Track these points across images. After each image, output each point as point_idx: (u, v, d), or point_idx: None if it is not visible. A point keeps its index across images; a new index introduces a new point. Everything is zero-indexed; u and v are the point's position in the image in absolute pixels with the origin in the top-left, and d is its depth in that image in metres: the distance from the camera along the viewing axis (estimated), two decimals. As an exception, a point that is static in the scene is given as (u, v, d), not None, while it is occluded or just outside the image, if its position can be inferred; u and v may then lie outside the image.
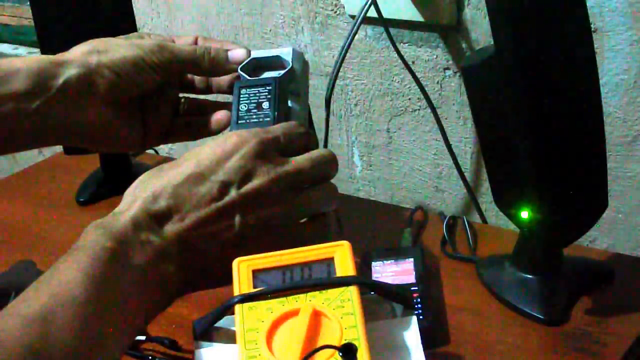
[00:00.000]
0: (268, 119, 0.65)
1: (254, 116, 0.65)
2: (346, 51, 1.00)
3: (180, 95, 0.75)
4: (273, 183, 0.57)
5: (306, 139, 0.61)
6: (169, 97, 0.73)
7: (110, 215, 0.54)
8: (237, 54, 0.70)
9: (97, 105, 0.65)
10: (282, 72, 0.68)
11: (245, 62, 0.69)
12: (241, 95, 0.67)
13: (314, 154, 0.60)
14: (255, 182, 0.56)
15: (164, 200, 0.54)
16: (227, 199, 0.55)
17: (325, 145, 1.03)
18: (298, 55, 0.70)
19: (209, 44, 0.71)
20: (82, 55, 0.65)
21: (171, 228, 0.54)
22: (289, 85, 0.67)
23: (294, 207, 0.59)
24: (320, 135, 1.18)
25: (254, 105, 0.66)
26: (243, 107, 0.66)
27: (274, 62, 0.69)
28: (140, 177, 0.57)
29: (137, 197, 0.55)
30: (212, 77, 0.74)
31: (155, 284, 0.53)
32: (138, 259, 0.51)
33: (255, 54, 0.71)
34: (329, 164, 0.61)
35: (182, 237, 0.54)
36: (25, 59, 0.65)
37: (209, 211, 0.55)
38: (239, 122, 0.65)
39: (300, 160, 0.59)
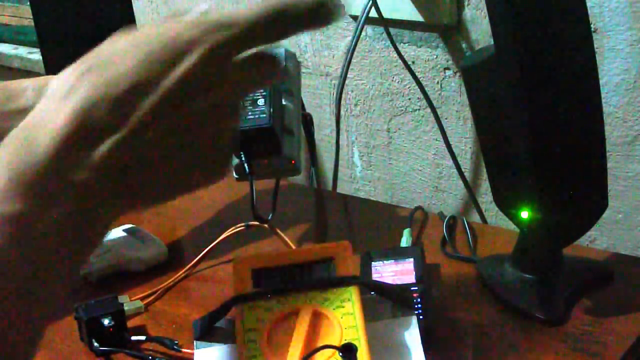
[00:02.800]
0: (264, 115, 0.65)
1: (250, 113, 0.66)
2: (352, 54, 1.00)
3: None
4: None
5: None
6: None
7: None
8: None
9: None
10: None
11: None
12: None
13: None
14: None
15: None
16: None
17: (337, 148, 1.03)
18: (290, 55, 0.71)
19: None
20: None
21: None
22: (282, 84, 0.68)
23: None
24: (323, 134, 1.18)
25: (249, 102, 0.67)
26: None
27: None
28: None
29: None
30: None
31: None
32: None
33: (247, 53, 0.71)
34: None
35: None
36: (33, 78, 0.65)
37: None
38: None
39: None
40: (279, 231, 0.85)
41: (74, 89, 0.43)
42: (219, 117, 0.46)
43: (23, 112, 0.62)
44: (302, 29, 0.49)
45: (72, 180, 0.42)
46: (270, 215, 0.74)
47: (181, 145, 0.45)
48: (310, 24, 0.49)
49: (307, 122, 0.99)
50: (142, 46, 0.45)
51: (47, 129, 0.43)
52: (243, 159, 0.67)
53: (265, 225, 0.84)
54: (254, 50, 0.48)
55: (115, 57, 0.44)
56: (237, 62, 0.46)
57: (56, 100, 0.44)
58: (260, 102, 0.67)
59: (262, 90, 0.67)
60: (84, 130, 0.42)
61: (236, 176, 0.71)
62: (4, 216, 0.41)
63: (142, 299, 0.78)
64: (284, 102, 0.68)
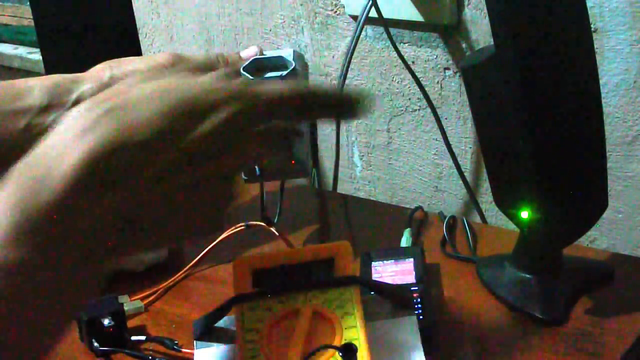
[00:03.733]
0: None
1: None
2: (352, 54, 1.00)
3: None
4: None
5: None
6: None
7: None
8: (249, 51, 0.71)
9: None
10: (285, 72, 0.68)
11: (247, 62, 0.70)
12: None
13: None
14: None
15: None
16: None
17: (337, 148, 1.04)
18: (299, 56, 0.70)
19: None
20: (96, 71, 0.65)
21: None
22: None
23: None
24: (323, 135, 1.18)
25: None
26: None
27: (276, 63, 0.69)
28: None
29: None
30: None
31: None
32: None
33: (256, 55, 0.71)
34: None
35: None
36: (40, 77, 0.65)
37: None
38: None
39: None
40: (276, 231, 0.85)
41: (91, 128, 0.42)
42: (224, 179, 0.46)
43: (28, 111, 0.62)
44: (328, 117, 0.50)
45: (79, 227, 0.41)
46: (277, 218, 0.74)
47: (186, 201, 0.45)
48: (337, 115, 0.49)
49: (311, 124, 0.99)
50: (166, 97, 0.44)
51: (59, 170, 0.41)
52: None
53: (272, 229, 0.84)
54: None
55: (138, 102, 0.43)
56: (252, 132, 0.47)
57: (71, 137, 0.42)
58: None
59: None
60: (97, 176, 0.41)
61: (245, 178, 0.71)
62: (6, 264, 0.40)
63: (142, 299, 0.78)
64: None
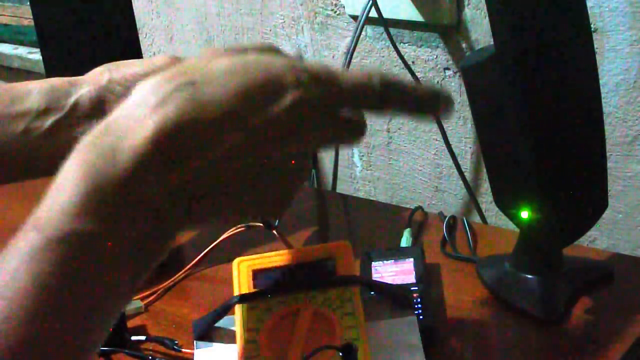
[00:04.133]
0: None
1: None
2: (352, 54, 1.00)
3: None
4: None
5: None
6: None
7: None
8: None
9: None
10: None
11: None
12: None
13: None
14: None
15: None
16: None
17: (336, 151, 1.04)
18: (299, 56, 0.71)
19: None
20: (95, 75, 0.65)
21: None
22: None
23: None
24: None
25: None
26: None
27: None
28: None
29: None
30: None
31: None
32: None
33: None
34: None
35: None
36: (39, 80, 0.65)
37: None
38: None
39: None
40: (276, 232, 0.85)
41: (164, 102, 0.42)
42: (293, 158, 0.46)
43: (27, 114, 0.62)
44: (404, 112, 0.48)
45: (147, 200, 0.41)
46: (277, 222, 0.74)
47: (255, 179, 0.44)
48: (415, 110, 0.48)
49: None
50: (241, 74, 0.43)
51: (131, 142, 0.41)
52: None
53: (274, 232, 0.83)
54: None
55: (213, 78, 0.43)
56: (327, 117, 0.46)
57: (144, 108, 0.42)
58: None
59: None
60: (168, 151, 0.41)
61: None
62: (76, 234, 0.40)
63: (142, 299, 0.78)
64: None
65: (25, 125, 0.61)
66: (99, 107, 0.63)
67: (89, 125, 0.62)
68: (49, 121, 0.62)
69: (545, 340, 0.68)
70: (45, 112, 0.62)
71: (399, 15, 1.00)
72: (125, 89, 0.63)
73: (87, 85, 0.64)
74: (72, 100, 0.63)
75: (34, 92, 0.63)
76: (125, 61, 0.66)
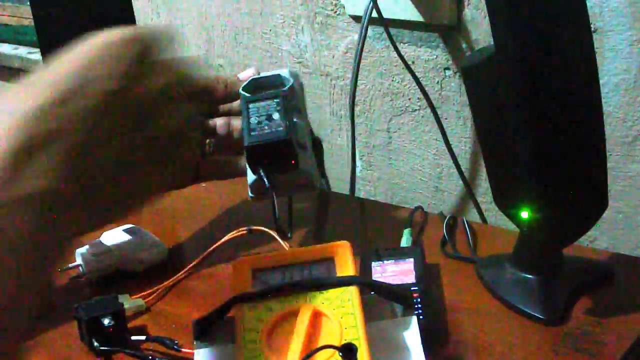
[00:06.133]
0: (280, 128, 0.66)
1: (266, 127, 0.67)
2: (360, 56, 1.00)
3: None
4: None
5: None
6: (192, 138, 0.73)
7: None
8: (247, 73, 0.72)
9: None
10: (285, 88, 0.69)
11: (246, 83, 0.71)
12: (250, 110, 0.68)
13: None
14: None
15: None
16: None
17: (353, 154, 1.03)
18: (294, 74, 0.72)
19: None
20: None
21: None
22: (291, 102, 0.69)
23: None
24: (323, 134, 1.18)
25: (264, 117, 0.67)
26: (254, 120, 0.67)
27: (273, 82, 0.71)
28: None
29: None
30: (224, 103, 0.74)
31: None
32: None
33: (254, 76, 0.73)
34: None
35: None
36: None
37: None
38: (252, 133, 0.67)
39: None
40: (277, 235, 0.85)
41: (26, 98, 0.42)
42: (172, 138, 0.49)
43: None
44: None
45: (30, 190, 0.40)
46: (290, 233, 0.74)
47: (141, 159, 0.47)
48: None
49: (318, 145, 0.97)
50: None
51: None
52: (262, 174, 0.67)
53: (285, 243, 0.83)
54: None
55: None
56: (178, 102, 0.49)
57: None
58: (275, 116, 0.67)
59: (276, 105, 0.68)
60: (29, 139, 0.41)
61: (251, 195, 0.71)
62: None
63: (142, 298, 0.78)
64: (294, 120, 0.68)
65: None
66: None
67: None
68: None
69: (545, 340, 0.68)
70: None
71: (399, 15, 1.00)
72: None
73: None
74: None
75: None
76: None
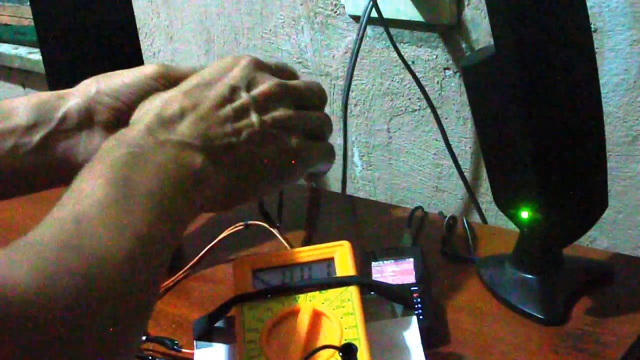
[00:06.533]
0: None
1: None
2: (356, 57, 1.00)
3: None
4: (278, 87, 0.59)
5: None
6: None
7: (122, 130, 0.54)
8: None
9: (100, 135, 0.64)
10: None
11: None
12: None
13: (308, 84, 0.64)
14: (261, 87, 0.58)
15: (177, 103, 0.55)
16: (239, 100, 0.57)
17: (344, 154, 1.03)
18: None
19: None
20: (83, 86, 0.64)
21: (189, 125, 0.55)
22: None
23: (300, 121, 0.61)
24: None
25: None
26: None
27: None
28: (147, 99, 0.58)
29: (146, 110, 0.56)
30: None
31: (184, 177, 0.52)
32: (159, 156, 0.52)
33: None
34: (322, 102, 0.64)
35: (205, 133, 0.55)
36: (27, 96, 0.64)
37: (225, 110, 0.56)
38: None
39: (295, 82, 0.62)
40: (276, 231, 0.85)
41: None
42: (287, 135, 0.58)
43: (15, 131, 0.62)
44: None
45: (179, 138, 0.53)
46: (280, 221, 0.74)
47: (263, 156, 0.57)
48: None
49: None
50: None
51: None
52: None
53: (274, 231, 0.83)
54: None
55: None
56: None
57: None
58: None
59: None
60: (180, 107, 0.55)
61: None
62: (172, 143, 0.53)
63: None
64: None
65: (13, 141, 0.61)
66: (87, 118, 0.63)
67: (79, 137, 0.62)
68: (37, 136, 0.61)
69: (545, 340, 0.68)
70: (33, 127, 0.61)
71: (399, 15, 1.00)
72: (113, 99, 0.63)
73: (75, 97, 0.63)
74: (60, 113, 0.62)
75: (20, 108, 0.62)
76: (114, 72, 0.66)
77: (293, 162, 0.59)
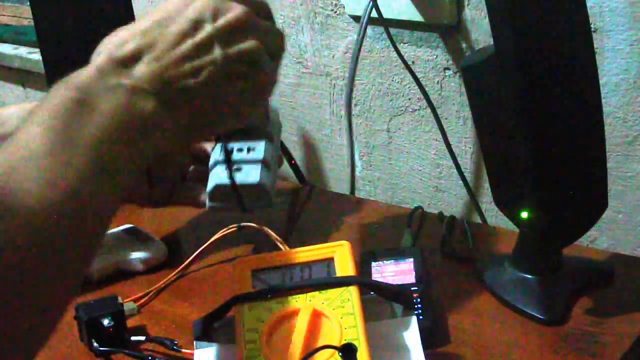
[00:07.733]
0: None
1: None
2: (357, 57, 1.00)
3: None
4: (246, 14, 0.55)
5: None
6: (177, 160, 0.73)
7: (75, 72, 0.51)
8: None
9: None
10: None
11: None
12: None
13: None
14: (228, 16, 0.55)
15: (132, 43, 0.52)
16: (202, 33, 0.54)
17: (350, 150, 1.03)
18: (272, 110, 0.70)
19: None
20: None
21: (143, 68, 0.51)
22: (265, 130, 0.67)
23: (268, 39, 0.57)
24: (323, 134, 1.18)
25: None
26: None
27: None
28: (109, 35, 0.55)
29: (102, 49, 0.53)
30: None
31: (132, 125, 0.49)
32: (106, 104, 0.49)
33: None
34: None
35: (159, 76, 0.52)
36: (21, 104, 0.64)
37: (185, 48, 0.53)
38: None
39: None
40: (271, 232, 0.84)
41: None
42: (248, 66, 0.55)
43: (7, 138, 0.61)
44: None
45: (132, 82, 0.51)
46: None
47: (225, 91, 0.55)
48: None
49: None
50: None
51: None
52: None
53: (270, 230, 0.83)
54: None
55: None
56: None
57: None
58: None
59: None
60: (136, 47, 0.52)
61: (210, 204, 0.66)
62: (122, 86, 0.51)
63: (141, 298, 0.78)
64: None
65: None
66: None
67: None
68: None
69: (545, 340, 0.68)
70: None
71: (399, 15, 1.00)
72: None
73: None
74: None
75: (14, 116, 0.62)
76: None
77: (259, 97, 0.57)
